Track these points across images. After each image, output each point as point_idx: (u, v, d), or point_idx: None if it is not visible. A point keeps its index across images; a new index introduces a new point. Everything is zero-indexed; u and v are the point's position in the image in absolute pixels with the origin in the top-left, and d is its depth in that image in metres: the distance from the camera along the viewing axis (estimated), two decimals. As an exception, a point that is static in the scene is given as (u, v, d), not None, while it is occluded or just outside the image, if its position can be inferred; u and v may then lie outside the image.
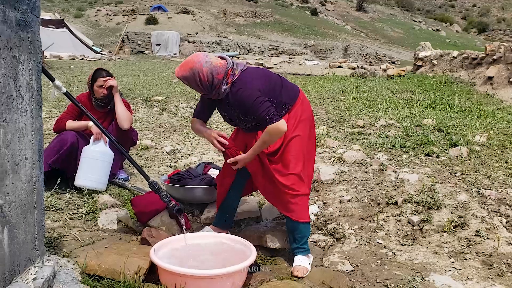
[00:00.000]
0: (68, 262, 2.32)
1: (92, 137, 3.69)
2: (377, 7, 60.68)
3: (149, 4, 41.06)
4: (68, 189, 3.63)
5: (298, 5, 53.86)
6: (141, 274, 2.45)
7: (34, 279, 1.89)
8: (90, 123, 3.72)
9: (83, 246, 2.76)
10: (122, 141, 3.86)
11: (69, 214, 3.28)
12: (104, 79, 3.80)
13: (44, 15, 24.25)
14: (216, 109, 2.90)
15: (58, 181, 3.56)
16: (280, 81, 2.82)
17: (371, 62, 29.31)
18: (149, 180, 2.93)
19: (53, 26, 21.77)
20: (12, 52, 1.75)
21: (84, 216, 3.26)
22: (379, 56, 31.72)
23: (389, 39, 45.26)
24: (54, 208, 3.30)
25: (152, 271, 2.54)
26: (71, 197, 3.52)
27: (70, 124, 3.79)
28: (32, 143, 1.93)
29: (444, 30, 56.50)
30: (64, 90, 2.63)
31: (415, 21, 58.94)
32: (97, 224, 3.21)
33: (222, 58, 2.69)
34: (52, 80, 2.54)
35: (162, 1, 42.13)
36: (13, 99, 1.77)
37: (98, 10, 37.64)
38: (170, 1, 42.83)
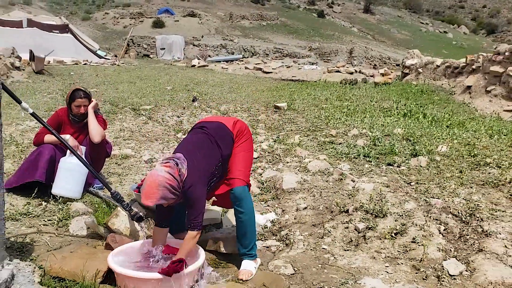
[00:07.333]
0: (29, 266, 2.62)
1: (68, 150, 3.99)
2: (384, 9, 60.68)
3: (156, 7, 41.52)
4: (45, 197, 3.91)
5: (305, 7, 54.09)
6: (99, 276, 2.76)
7: (-8, 280, 2.19)
8: (67, 136, 4.03)
9: (50, 250, 3.04)
10: (97, 153, 4.18)
11: (44, 220, 3.55)
12: (82, 100, 4.09)
13: (50, 20, 24.83)
14: None
15: (36, 190, 3.88)
16: (215, 140, 3.07)
17: (375, 65, 29.29)
18: (111, 190, 3.23)
19: (58, 31, 22.31)
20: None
21: (56, 222, 3.53)
22: (383, 58, 31.74)
23: (395, 41, 45.27)
24: (30, 215, 3.57)
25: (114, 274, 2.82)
26: (47, 205, 3.80)
27: (48, 138, 4.08)
28: (-9, 163, 2.22)
29: (452, 32, 56.32)
30: (31, 111, 2.94)
31: (422, 23, 58.82)
32: (68, 230, 3.47)
33: (167, 161, 2.76)
34: (19, 102, 2.85)
35: (170, 4, 42.56)
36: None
37: (105, 13, 38.09)
38: (178, 4, 43.26)
